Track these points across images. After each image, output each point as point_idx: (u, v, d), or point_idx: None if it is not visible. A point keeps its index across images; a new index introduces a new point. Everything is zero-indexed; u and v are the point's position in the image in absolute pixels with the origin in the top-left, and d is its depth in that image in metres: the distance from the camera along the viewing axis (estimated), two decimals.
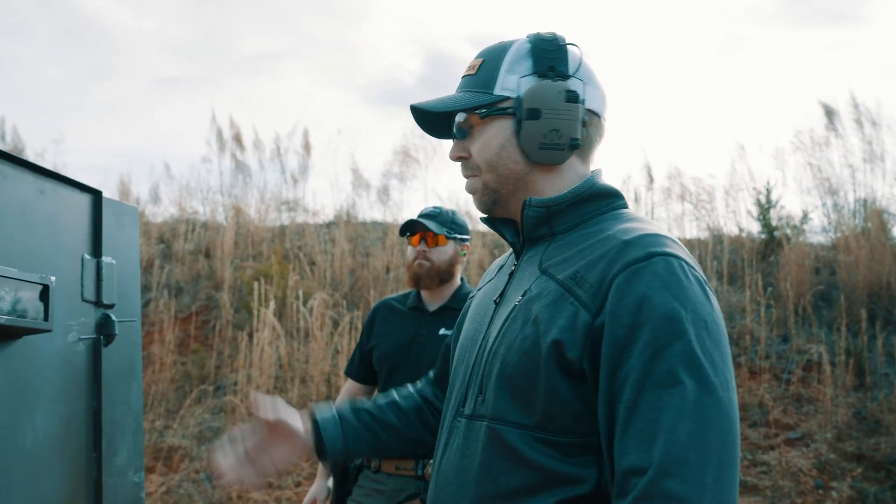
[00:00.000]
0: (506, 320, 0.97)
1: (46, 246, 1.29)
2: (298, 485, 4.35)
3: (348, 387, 2.18)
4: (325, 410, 1.22)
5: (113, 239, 1.50)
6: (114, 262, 1.48)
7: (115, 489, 1.42)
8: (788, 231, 6.26)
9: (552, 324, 0.89)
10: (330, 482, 2.08)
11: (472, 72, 1.05)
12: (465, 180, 1.08)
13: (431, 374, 1.32)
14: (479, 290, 1.20)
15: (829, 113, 6.74)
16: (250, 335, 5.38)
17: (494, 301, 1.05)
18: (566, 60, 1.02)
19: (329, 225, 7.62)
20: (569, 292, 0.90)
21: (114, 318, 1.46)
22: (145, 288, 6.33)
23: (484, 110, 1.02)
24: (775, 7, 12.21)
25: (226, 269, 6.41)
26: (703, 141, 10.84)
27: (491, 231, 6.62)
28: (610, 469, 0.86)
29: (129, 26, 12.43)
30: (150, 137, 11.83)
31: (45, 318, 1.22)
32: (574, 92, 1.00)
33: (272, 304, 5.43)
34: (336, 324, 5.58)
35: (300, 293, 5.66)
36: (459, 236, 2.10)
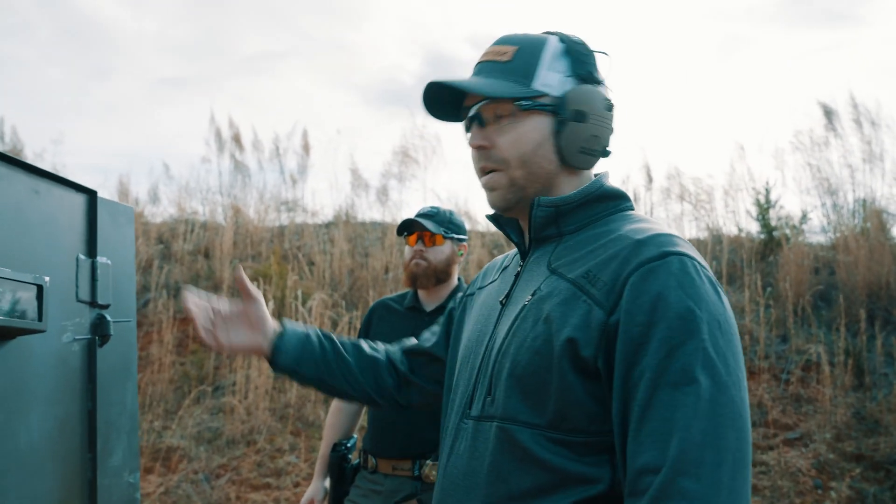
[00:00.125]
0: (515, 320, 0.96)
1: (41, 246, 1.28)
2: (297, 485, 4.35)
3: None
4: (297, 325, 1.24)
5: (108, 239, 1.50)
6: (109, 262, 1.48)
7: (110, 490, 1.42)
8: (787, 231, 6.26)
9: (565, 322, 0.88)
10: (327, 483, 2.07)
11: (505, 58, 1.00)
12: (484, 175, 1.02)
13: (408, 342, 1.30)
14: (478, 289, 1.19)
15: (829, 113, 6.74)
16: None
17: (500, 302, 1.03)
18: (597, 67, 1.04)
19: (328, 225, 7.62)
20: (581, 291, 0.90)
21: (109, 318, 1.46)
22: (144, 288, 6.33)
23: (526, 102, 0.98)
24: (775, 7, 12.22)
25: (225, 269, 6.41)
26: (703, 141, 10.84)
27: (491, 231, 6.59)
28: (623, 468, 0.86)
29: (129, 26, 12.44)
30: (150, 138, 11.83)
31: (40, 319, 1.21)
32: (611, 101, 1.02)
33: (271, 304, 5.42)
34: (335, 324, 5.57)
35: (299, 293, 5.66)
36: (457, 236, 2.09)
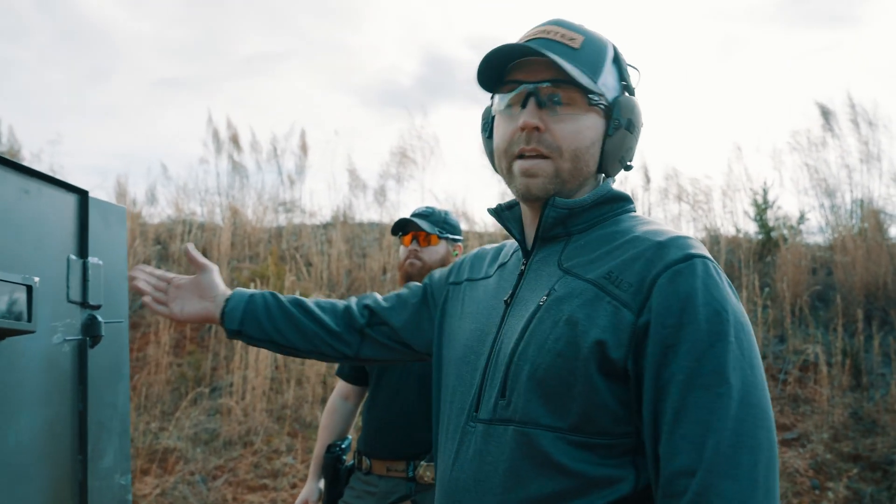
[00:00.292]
0: (530, 321, 0.93)
1: (31, 246, 1.28)
2: (294, 486, 4.34)
3: (340, 388, 2.18)
4: (246, 289, 1.25)
5: (100, 239, 1.49)
6: (100, 262, 1.47)
7: (101, 492, 1.41)
8: (785, 231, 6.26)
9: (592, 323, 0.87)
10: (321, 484, 2.07)
11: (575, 45, 0.96)
12: (523, 158, 0.96)
13: (369, 299, 1.26)
14: (466, 280, 1.15)
15: (826, 113, 6.74)
16: None
17: (505, 301, 1.01)
18: (632, 82, 1.05)
19: (326, 226, 7.61)
20: (604, 292, 0.89)
21: (100, 319, 1.45)
22: None
23: (596, 98, 0.96)
24: (774, 8, 12.23)
25: (222, 270, 6.40)
26: (701, 141, 10.85)
27: (489, 231, 6.57)
28: (654, 469, 0.86)
29: (128, 28, 12.43)
30: (149, 139, 11.82)
31: (29, 320, 1.20)
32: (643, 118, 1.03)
33: None
34: None
35: (297, 293, 5.65)
36: (451, 236, 2.09)
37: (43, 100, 11.80)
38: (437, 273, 1.24)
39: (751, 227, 6.54)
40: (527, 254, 1.03)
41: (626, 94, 1.02)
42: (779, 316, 5.37)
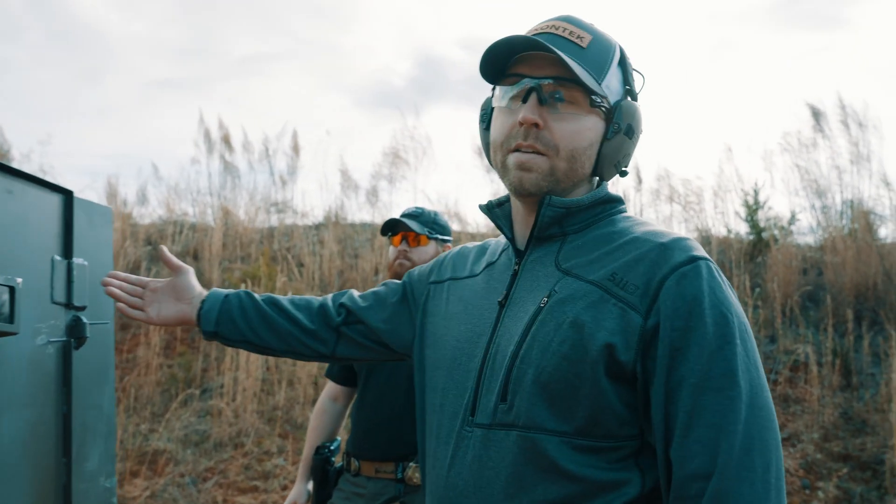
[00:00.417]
0: (531, 323, 0.91)
1: (14, 247, 1.26)
2: (285, 488, 4.32)
3: (328, 389, 2.17)
4: (221, 290, 1.24)
5: (85, 240, 1.48)
6: (85, 263, 1.46)
7: (86, 495, 1.40)
8: (776, 232, 6.28)
9: (599, 326, 0.87)
10: (310, 486, 2.06)
11: (583, 44, 0.95)
12: (520, 152, 0.95)
13: (346, 298, 1.23)
14: (449, 279, 1.12)
15: (817, 114, 6.76)
16: None
17: (499, 302, 0.98)
18: (636, 86, 1.04)
19: (318, 226, 7.60)
20: (609, 294, 0.88)
21: (85, 320, 1.44)
22: None
23: (599, 99, 0.95)
24: (766, 10, 12.28)
25: (214, 270, 6.37)
26: (692, 142, 10.87)
27: (482, 232, 6.55)
28: (665, 472, 0.87)
29: (121, 29, 12.37)
30: (141, 140, 11.76)
31: (11, 321, 1.19)
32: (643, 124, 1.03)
33: None
34: None
35: (289, 294, 5.63)
36: (441, 237, 2.08)
37: (34, 100, 11.74)
38: (417, 271, 1.22)
39: (742, 228, 6.57)
40: (519, 253, 1.01)
41: (629, 98, 1.02)
42: (769, 316, 5.39)
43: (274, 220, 7.67)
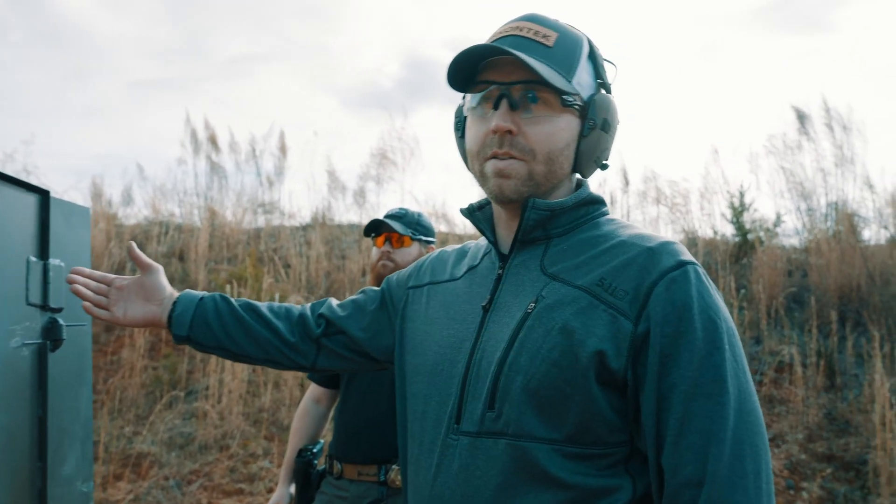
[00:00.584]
0: (518, 329, 0.90)
1: None
2: (270, 490, 4.29)
3: (311, 391, 2.15)
4: (195, 292, 1.19)
5: (61, 240, 1.46)
6: (62, 264, 1.44)
7: (62, 500, 1.38)
8: (761, 234, 6.32)
9: (589, 333, 0.86)
10: (292, 489, 2.04)
11: (548, 42, 0.93)
12: (497, 159, 0.94)
13: (324, 307, 1.21)
14: (428, 284, 1.10)
15: (802, 117, 6.82)
16: None
17: (483, 307, 0.96)
18: (608, 77, 1.02)
19: (305, 227, 7.56)
20: (598, 299, 0.87)
21: (62, 322, 1.42)
22: None
23: (570, 98, 0.93)
24: (753, 14, 12.37)
25: (200, 271, 6.33)
26: (679, 144, 10.94)
27: (469, 234, 6.54)
28: (657, 478, 0.86)
29: (108, 28, 12.28)
30: (128, 140, 11.67)
31: None
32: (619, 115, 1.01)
33: None
34: None
35: (276, 296, 5.60)
36: (425, 238, 2.07)
37: (19, 99, 11.61)
38: (395, 277, 1.20)
39: (728, 230, 6.62)
40: (503, 257, 1.00)
41: (602, 90, 1.00)
42: (755, 317, 5.42)
43: (261, 221, 7.64)
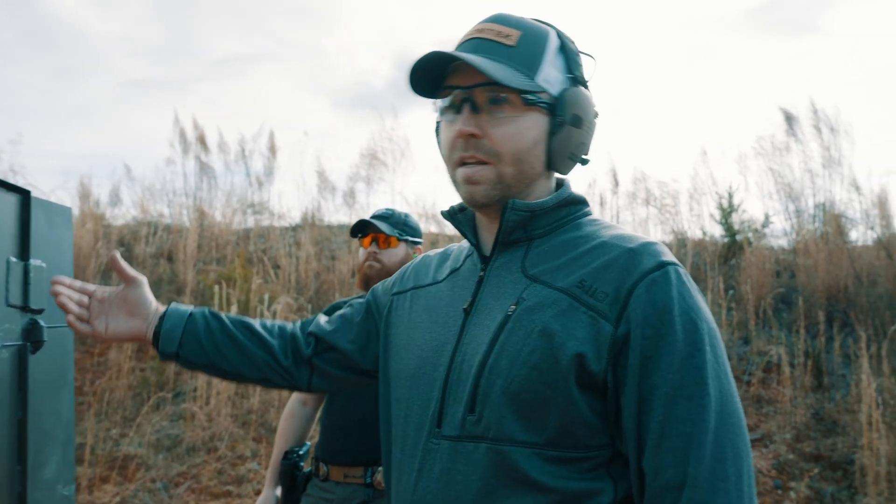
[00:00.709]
0: (498, 332, 0.89)
1: None
2: (258, 492, 4.27)
3: (298, 393, 2.14)
4: (183, 306, 1.13)
5: (43, 240, 1.44)
6: (43, 264, 1.42)
7: (42, 503, 1.36)
8: (750, 235, 6.36)
9: (569, 335, 0.85)
10: (278, 491, 2.03)
11: (510, 42, 0.93)
12: (465, 166, 0.94)
13: (312, 325, 1.18)
14: (412, 288, 1.09)
15: (790, 119, 6.86)
16: None
17: (464, 310, 0.95)
18: (583, 70, 1.00)
19: (295, 228, 7.54)
20: (579, 301, 0.87)
21: (42, 323, 1.40)
22: None
23: (532, 97, 0.92)
24: (742, 17, 12.45)
25: (188, 272, 6.29)
26: (669, 146, 10.98)
27: (458, 234, 6.63)
28: (638, 482, 0.86)
29: (97, 28, 12.20)
30: (117, 140, 11.60)
31: None
32: (597, 108, 0.99)
33: (234, 307, 5.33)
34: None
35: (266, 297, 5.58)
36: (411, 239, 2.06)
37: (7, 99, 11.52)
38: (381, 285, 1.19)
39: (716, 231, 6.65)
40: (484, 259, 0.99)
41: (576, 84, 0.97)
42: (743, 318, 5.45)
43: (250, 222, 7.61)
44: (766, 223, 6.50)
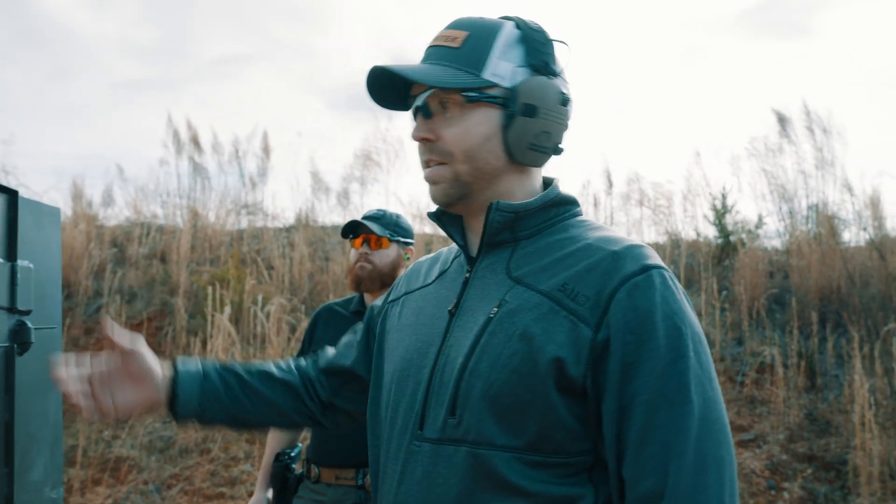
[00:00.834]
0: (480, 334, 0.88)
1: None
2: (251, 494, 4.25)
3: None
4: (190, 363, 1.07)
5: (30, 241, 1.43)
6: (31, 265, 1.41)
7: None
8: (743, 236, 6.37)
9: (548, 339, 0.84)
10: (270, 493, 2.02)
11: (455, 44, 0.94)
12: (428, 168, 0.96)
13: (322, 361, 1.17)
14: (404, 294, 1.10)
15: (783, 120, 6.88)
16: (204, 342, 5.27)
17: (449, 311, 0.95)
18: (555, 58, 0.98)
19: (288, 229, 7.52)
20: (560, 305, 0.86)
21: (30, 325, 1.39)
22: (97, 293, 6.15)
23: (474, 94, 0.92)
24: (735, 19, 12.50)
25: (182, 273, 6.27)
26: (663, 147, 11.01)
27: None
28: (618, 489, 0.85)
29: (90, 29, 12.17)
30: (110, 140, 11.57)
31: None
32: (567, 95, 0.97)
33: (227, 309, 5.32)
34: (294, 329, 5.49)
35: (259, 298, 5.56)
36: (403, 239, 2.06)
37: (0, 99, 11.47)
38: (378, 300, 1.19)
39: (710, 232, 6.66)
40: (471, 260, 0.98)
41: (538, 74, 0.95)
42: (736, 318, 5.46)
43: (244, 223, 7.59)
44: (760, 224, 6.52)
